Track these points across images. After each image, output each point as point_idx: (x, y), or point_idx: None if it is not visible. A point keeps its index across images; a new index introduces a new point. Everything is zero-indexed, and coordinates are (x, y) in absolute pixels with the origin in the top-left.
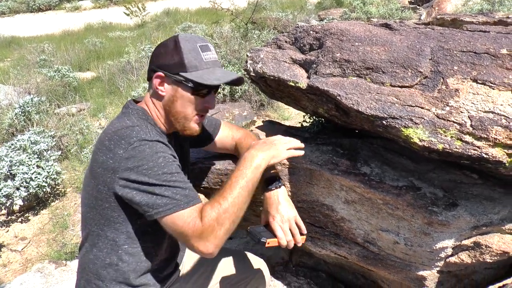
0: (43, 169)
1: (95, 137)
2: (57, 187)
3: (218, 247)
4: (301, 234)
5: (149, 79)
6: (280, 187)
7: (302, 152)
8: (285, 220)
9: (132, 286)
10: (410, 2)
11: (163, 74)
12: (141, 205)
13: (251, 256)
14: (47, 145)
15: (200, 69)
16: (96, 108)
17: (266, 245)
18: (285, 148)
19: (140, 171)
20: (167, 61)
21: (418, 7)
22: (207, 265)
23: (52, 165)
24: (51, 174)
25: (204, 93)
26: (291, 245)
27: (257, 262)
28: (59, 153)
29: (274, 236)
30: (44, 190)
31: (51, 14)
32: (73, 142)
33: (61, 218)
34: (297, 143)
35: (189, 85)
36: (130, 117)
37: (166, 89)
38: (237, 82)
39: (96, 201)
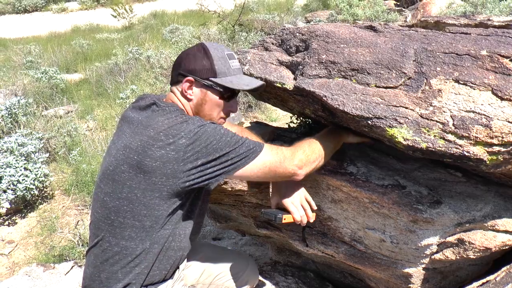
0: (30, 171)
1: (83, 139)
2: (45, 189)
3: (307, 166)
4: (312, 210)
5: (175, 83)
6: None
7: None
8: (296, 197)
9: (160, 270)
10: (396, 4)
11: (192, 79)
12: (214, 175)
13: (240, 254)
14: (34, 147)
15: (228, 75)
16: (84, 110)
17: (283, 221)
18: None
19: (211, 149)
20: (197, 66)
21: (403, 9)
22: (198, 260)
23: (39, 167)
24: (39, 177)
25: (229, 97)
26: (305, 220)
27: (246, 259)
28: (47, 155)
29: (288, 213)
30: (32, 192)
31: (38, 15)
32: (61, 144)
33: (49, 221)
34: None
35: (219, 89)
36: (175, 112)
37: (194, 93)
38: (260, 88)
39: (144, 193)
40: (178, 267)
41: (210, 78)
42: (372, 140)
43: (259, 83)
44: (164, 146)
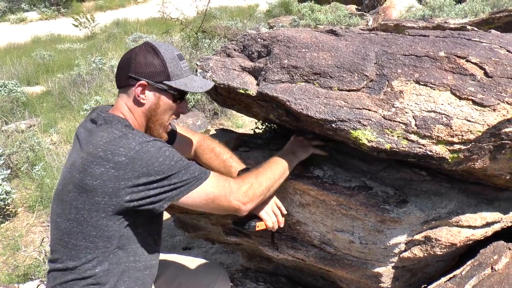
0: None
1: (47, 153)
2: (7, 207)
3: (252, 201)
4: (282, 215)
5: (123, 86)
6: None
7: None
8: (267, 204)
9: None
10: (357, 9)
11: (145, 83)
12: (156, 197)
13: (211, 264)
14: None
15: (181, 78)
16: (47, 123)
17: (256, 228)
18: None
19: (152, 170)
20: (149, 69)
21: (365, 13)
22: (168, 273)
23: (0, 184)
24: (0, 194)
25: (180, 99)
26: (276, 226)
27: (217, 269)
28: (8, 171)
29: (260, 220)
30: None
31: None
32: (24, 160)
33: (12, 240)
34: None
35: (173, 93)
36: (116, 126)
37: (147, 97)
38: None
39: (90, 214)
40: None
41: (164, 82)
42: (324, 150)
43: (211, 84)
44: (103, 164)
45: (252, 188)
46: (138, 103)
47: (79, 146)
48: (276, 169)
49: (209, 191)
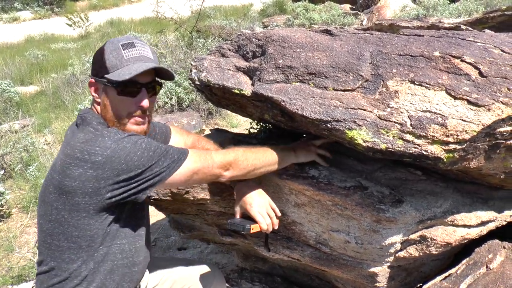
0: None
1: (41, 153)
2: (1, 208)
3: (234, 170)
4: (276, 217)
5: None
6: None
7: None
8: (262, 206)
9: None
10: (351, 8)
11: (93, 80)
12: (139, 189)
13: (206, 265)
14: None
15: (120, 67)
16: (41, 123)
17: (251, 231)
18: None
19: (132, 165)
20: (94, 66)
21: (359, 13)
22: (163, 274)
23: None
24: None
25: (133, 92)
26: (270, 228)
27: (213, 270)
28: (2, 172)
29: (254, 222)
30: None
31: None
32: (17, 160)
33: (6, 241)
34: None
35: (112, 85)
36: (92, 124)
37: (99, 95)
38: (165, 76)
39: (70, 214)
40: (139, 285)
41: (105, 76)
42: (323, 156)
43: (148, 66)
44: (80, 164)
45: (236, 160)
46: (96, 101)
47: (62, 147)
48: (269, 155)
49: (192, 167)
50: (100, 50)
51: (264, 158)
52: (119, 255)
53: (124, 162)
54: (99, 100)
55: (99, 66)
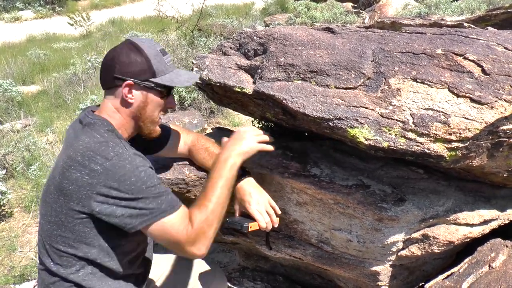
0: None
1: (42, 153)
2: (3, 208)
3: (208, 247)
4: (276, 215)
5: (109, 87)
6: (248, 176)
7: (271, 147)
8: (261, 204)
9: None
10: (353, 6)
11: (132, 82)
12: (124, 218)
13: (208, 264)
14: None
15: (166, 73)
16: (43, 123)
17: (249, 229)
18: (255, 141)
19: (122, 187)
20: (134, 68)
21: (361, 11)
22: (164, 273)
23: None
24: None
25: (167, 95)
26: (270, 227)
27: (214, 269)
28: (4, 172)
29: (253, 221)
30: None
31: None
32: (19, 160)
33: (8, 240)
34: (265, 137)
35: (160, 89)
36: (99, 131)
37: (135, 96)
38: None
39: (66, 218)
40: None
41: (150, 79)
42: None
43: (197, 76)
44: (79, 169)
45: (205, 237)
46: (126, 103)
47: (64, 148)
48: (221, 195)
49: (167, 228)
50: (134, 52)
51: (221, 204)
52: (117, 268)
53: (117, 181)
54: (132, 101)
55: (140, 69)
